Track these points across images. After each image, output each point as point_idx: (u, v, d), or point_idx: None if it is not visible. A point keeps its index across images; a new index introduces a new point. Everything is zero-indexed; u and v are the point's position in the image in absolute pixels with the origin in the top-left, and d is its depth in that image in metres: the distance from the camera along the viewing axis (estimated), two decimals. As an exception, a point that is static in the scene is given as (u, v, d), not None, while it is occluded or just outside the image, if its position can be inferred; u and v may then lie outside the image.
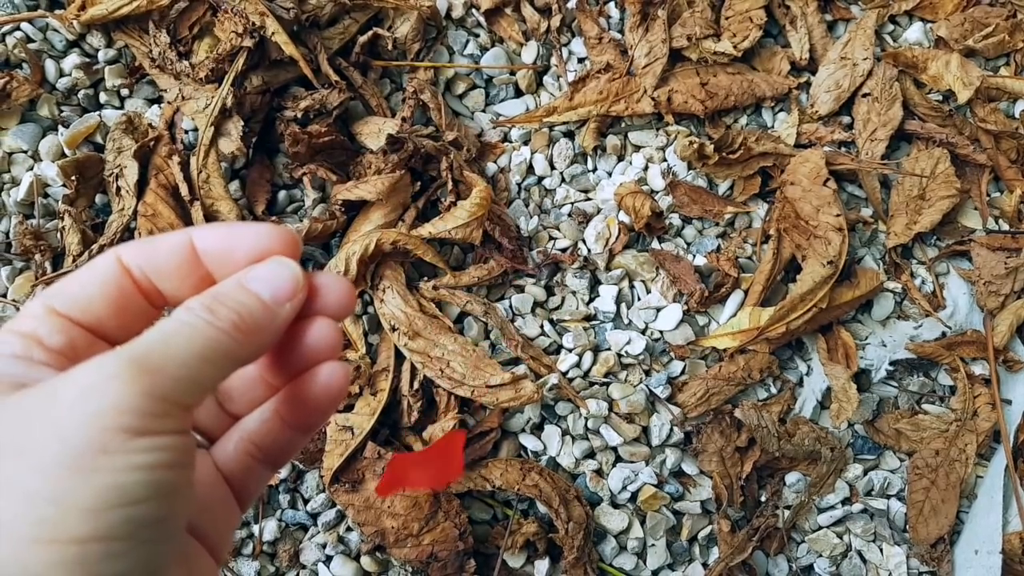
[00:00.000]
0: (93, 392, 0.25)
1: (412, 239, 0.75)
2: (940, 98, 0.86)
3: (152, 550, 0.26)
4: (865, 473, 0.78)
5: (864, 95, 0.84)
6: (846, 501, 0.78)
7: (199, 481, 0.32)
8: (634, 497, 0.76)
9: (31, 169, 0.79)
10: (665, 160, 0.84)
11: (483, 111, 0.85)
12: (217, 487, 0.34)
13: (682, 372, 0.78)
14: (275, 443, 0.34)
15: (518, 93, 0.86)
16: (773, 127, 0.86)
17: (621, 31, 0.87)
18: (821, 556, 0.77)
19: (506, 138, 0.85)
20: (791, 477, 0.78)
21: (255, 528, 0.75)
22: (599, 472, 0.77)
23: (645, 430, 0.77)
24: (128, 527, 0.25)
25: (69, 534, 0.24)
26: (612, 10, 0.88)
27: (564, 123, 0.84)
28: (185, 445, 0.27)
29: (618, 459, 0.77)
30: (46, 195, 0.79)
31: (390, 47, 0.82)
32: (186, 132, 0.80)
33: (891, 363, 0.79)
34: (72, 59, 0.81)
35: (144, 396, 0.25)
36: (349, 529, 0.75)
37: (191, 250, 0.31)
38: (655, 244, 0.82)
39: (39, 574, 0.24)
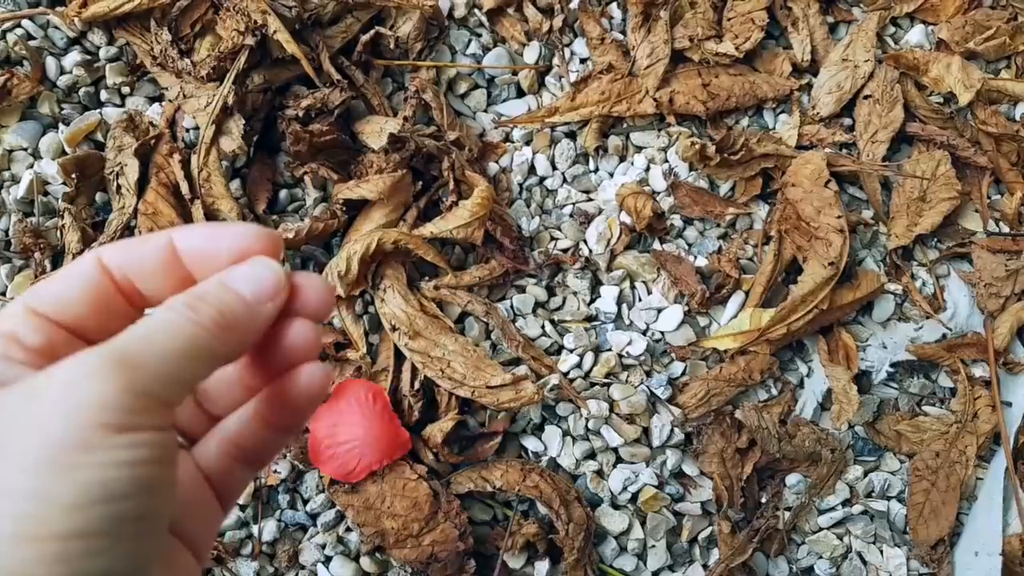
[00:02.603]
0: (74, 388, 0.25)
1: (413, 239, 0.75)
2: (941, 100, 0.86)
3: (134, 547, 0.26)
4: (865, 475, 0.78)
5: (865, 97, 0.84)
6: (846, 503, 0.78)
7: (181, 481, 0.32)
8: (635, 498, 0.76)
9: (31, 167, 0.79)
10: (667, 161, 0.84)
11: (485, 111, 0.85)
12: (199, 487, 0.34)
13: (683, 373, 0.78)
14: (256, 444, 0.34)
15: (520, 93, 0.86)
16: (774, 128, 0.86)
17: (623, 32, 0.87)
18: (821, 558, 0.77)
19: (508, 138, 0.85)
20: (791, 478, 0.78)
21: (254, 529, 0.75)
22: (600, 473, 0.77)
23: (646, 431, 0.77)
24: (109, 524, 0.25)
25: (50, 531, 0.24)
26: (615, 11, 0.88)
27: (566, 123, 0.84)
28: (167, 442, 0.27)
29: (619, 460, 0.77)
30: (46, 193, 0.79)
31: (392, 46, 0.82)
32: (187, 131, 0.80)
33: (892, 365, 0.79)
34: (73, 56, 0.80)
35: (125, 392, 0.26)
36: (348, 530, 0.75)
37: (171, 251, 0.31)
38: (656, 245, 0.82)
39: (21, 571, 0.24)
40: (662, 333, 0.79)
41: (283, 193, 0.81)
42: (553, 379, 0.74)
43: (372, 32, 0.80)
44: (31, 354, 0.28)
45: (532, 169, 0.83)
